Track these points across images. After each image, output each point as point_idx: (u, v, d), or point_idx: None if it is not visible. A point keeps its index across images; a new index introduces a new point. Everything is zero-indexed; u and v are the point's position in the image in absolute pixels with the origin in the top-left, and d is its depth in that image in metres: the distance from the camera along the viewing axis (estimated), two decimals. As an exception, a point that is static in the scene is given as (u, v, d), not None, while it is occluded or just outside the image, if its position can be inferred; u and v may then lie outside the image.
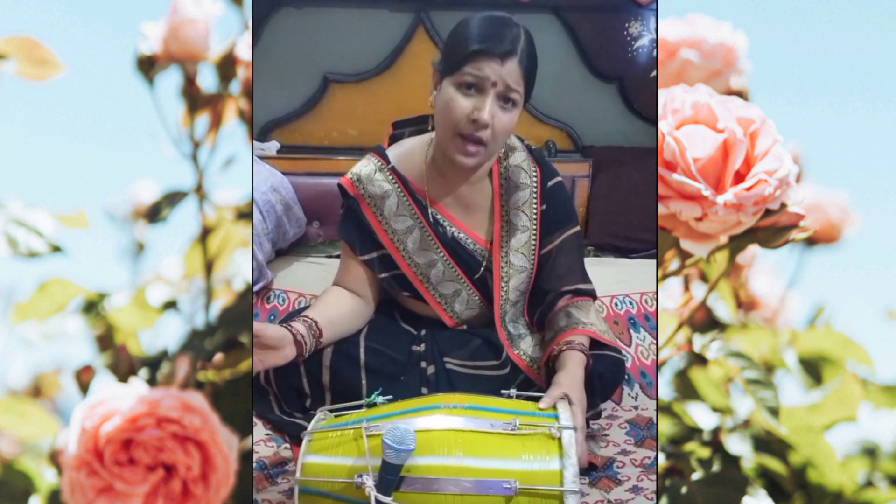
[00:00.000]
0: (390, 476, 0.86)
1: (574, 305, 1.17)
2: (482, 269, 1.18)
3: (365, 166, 1.18)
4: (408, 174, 1.17)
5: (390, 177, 1.16)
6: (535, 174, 1.18)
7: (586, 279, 1.21)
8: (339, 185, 1.18)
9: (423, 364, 1.16)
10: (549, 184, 1.18)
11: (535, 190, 1.18)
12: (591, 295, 1.21)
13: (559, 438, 0.88)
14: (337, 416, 1.00)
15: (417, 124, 1.22)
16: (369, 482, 0.86)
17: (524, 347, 1.18)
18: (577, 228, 1.21)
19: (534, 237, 1.18)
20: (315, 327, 1.09)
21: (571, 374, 1.05)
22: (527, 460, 0.87)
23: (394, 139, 1.23)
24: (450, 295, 1.19)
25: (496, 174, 1.17)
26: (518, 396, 1.02)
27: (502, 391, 1.04)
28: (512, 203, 1.17)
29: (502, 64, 1.04)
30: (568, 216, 1.20)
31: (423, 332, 1.20)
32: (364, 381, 1.12)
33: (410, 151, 1.18)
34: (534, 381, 1.15)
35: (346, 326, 1.15)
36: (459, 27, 1.09)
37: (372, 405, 1.00)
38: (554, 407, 0.95)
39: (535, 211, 1.18)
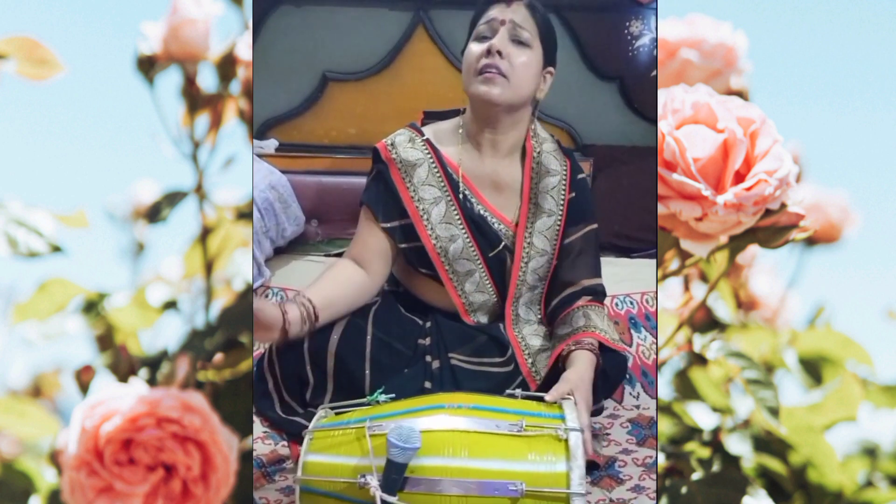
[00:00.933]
0: (395, 475, 0.85)
1: (592, 308, 1.17)
2: (502, 245, 1.18)
3: (400, 134, 1.19)
4: (441, 147, 1.19)
5: (424, 147, 1.18)
6: (565, 164, 1.21)
7: (600, 275, 1.23)
8: (374, 149, 1.18)
9: (428, 358, 1.15)
10: (579, 176, 1.21)
11: (564, 177, 1.20)
12: (603, 298, 1.22)
13: (566, 440, 0.88)
14: (338, 414, 1.00)
15: (449, 116, 1.23)
16: (373, 482, 0.85)
17: (525, 332, 1.18)
18: (596, 226, 1.23)
19: (558, 223, 1.19)
20: (312, 312, 1.09)
21: (580, 372, 1.06)
22: (533, 462, 0.86)
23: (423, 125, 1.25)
24: (463, 273, 1.18)
25: (529, 154, 1.19)
26: (523, 396, 1.02)
27: (507, 391, 1.03)
28: (542, 187, 1.19)
29: (509, 5, 1.12)
30: (591, 212, 1.23)
31: (429, 324, 1.20)
32: (368, 372, 1.12)
33: (444, 129, 1.21)
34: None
35: (344, 307, 1.14)
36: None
37: (374, 403, 1.00)
38: (560, 408, 0.95)
39: (563, 197, 1.19)
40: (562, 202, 1.19)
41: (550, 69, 1.17)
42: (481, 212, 1.18)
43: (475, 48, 1.12)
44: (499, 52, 1.10)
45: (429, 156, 1.17)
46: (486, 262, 1.19)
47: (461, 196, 1.17)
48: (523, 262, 1.18)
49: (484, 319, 1.22)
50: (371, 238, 1.18)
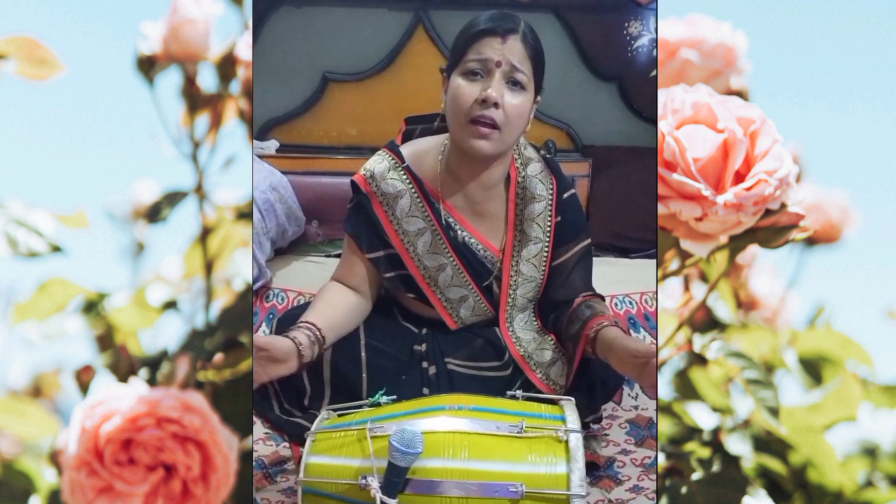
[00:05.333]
0: (396, 478, 0.85)
1: (594, 300, 1.16)
2: (491, 277, 1.17)
3: (379, 163, 1.15)
4: (422, 175, 1.15)
5: (404, 176, 1.14)
6: (551, 186, 1.17)
7: (591, 286, 1.21)
8: (352, 182, 1.16)
9: (425, 364, 1.15)
10: (565, 195, 1.18)
11: (550, 202, 1.16)
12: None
13: (566, 441, 0.88)
14: (340, 416, 1.00)
15: (431, 121, 1.20)
16: (374, 484, 0.85)
17: (527, 347, 1.18)
18: (589, 241, 1.20)
19: (546, 249, 1.17)
20: (319, 336, 1.08)
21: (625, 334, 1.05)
22: (533, 463, 0.86)
23: (406, 135, 1.22)
24: (456, 300, 1.18)
25: (513, 183, 1.16)
26: (524, 398, 1.02)
27: (508, 392, 1.03)
28: (527, 214, 1.16)
29: (504, 42, 1.05)
30: (581, 228, 1.19)
31: (425, 330, 1.20)
32: (365, 376, 1.12)
33: (425, 152, 1.16)
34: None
35: (346, 328, 1.15)
36: (464, 24, 1.10)
37: (376, 405, 1.00)
38: (561, 409, 0.95)
39: (549, 223, 1.17)
40: (548, 229, 1.17)
41: (538, 98, 1.11)
42: (466, 239, 1.16)
43: (466, 89, 1.05)
44: (495, 105, 1.04)
45: (410, 186, 1.14)
46: (481, 289, 1.18)
47: (444, 224, 1.15)
48: (511, 290, 1.17)
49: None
50: (357, 266, 1.18)
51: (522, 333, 1.19)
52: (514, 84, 1.05)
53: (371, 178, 1.15)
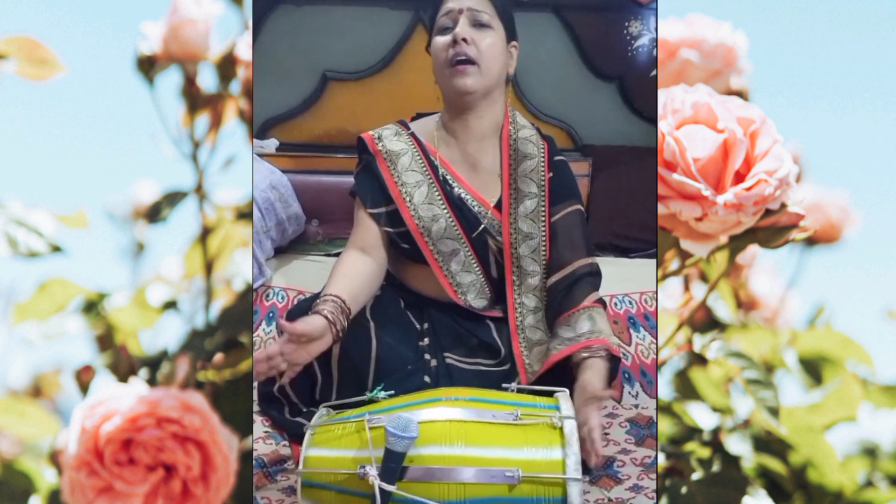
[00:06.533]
0: (393, 464, 0.86)
1: (595, 311, 1.17)
2: (480, 228, 1.20)
3: (387, 129, 1.23)
4: (423, 138, 1.23)
5: (408, 138, 1.22)
6: (542, 147, 1.22)
7: (593, 254, 1.22)
8: (360, 139, 1.22)
9: (427, 356, 1.17)
10: (556, 158, 1.23)
11: (542, 160, 1.21)
12: (599, 279, 1.22)
13: (560, 428, 0.89)
14: (338, 412, 1.01)
15: None
16: (372, 472, 0.86)
17: (527, 322, 1.19)
18: (581, 207, 1.23)
19: (542, 205, 1.20)
20: (344, 306, 1.10)
21: (601, 381, 1.06)
22: (529, 449, 0.88)
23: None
24: (448, 253, 1.20)
25: (505, 138, 1.21)
26: (519, 390, 1.02)
27: (503, 385, 1.05)
28: (521, 171, 1.20)
29: None
30: (574, 191, 1.24)
31: (426, 325, 1.21)
32: (373, 369, 1.12)
33: (426, 122, 1.25)
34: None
35: (365, 297, 1.17)
36: None
37: (373, 401, 1.01)
38: (555, 398, 0.96)
39: (542, 179, 1.21)
40: (542, 183, 1.21)
41: (514, 43, 1.20)
42: (461, 194, 1.20)
43: (440, 40, 1.16)
44: (464, 40, 1.14)
45: (412, 146, 1.21)
46: (470, 240, 1.20)
47: (441, 179, 1.20)
48: (513, 248, 1.19)
49: (477, 303, 1.22)
50: (367, 226, 1.21)
51: (528, 301, 1.20)
52: (480, 26, 1.15)
53: (378, 139, 1.21)
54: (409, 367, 1.14)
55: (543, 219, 1.20)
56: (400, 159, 1.20)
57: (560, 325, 1.17)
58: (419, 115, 1.29)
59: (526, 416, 0.90)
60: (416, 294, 1.25)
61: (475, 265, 1.22)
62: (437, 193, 1.20)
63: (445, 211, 1.19)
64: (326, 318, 1.06)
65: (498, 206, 1.20)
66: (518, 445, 0.88)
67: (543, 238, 1.20)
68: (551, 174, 1.21)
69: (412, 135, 1.22)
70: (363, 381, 1.11)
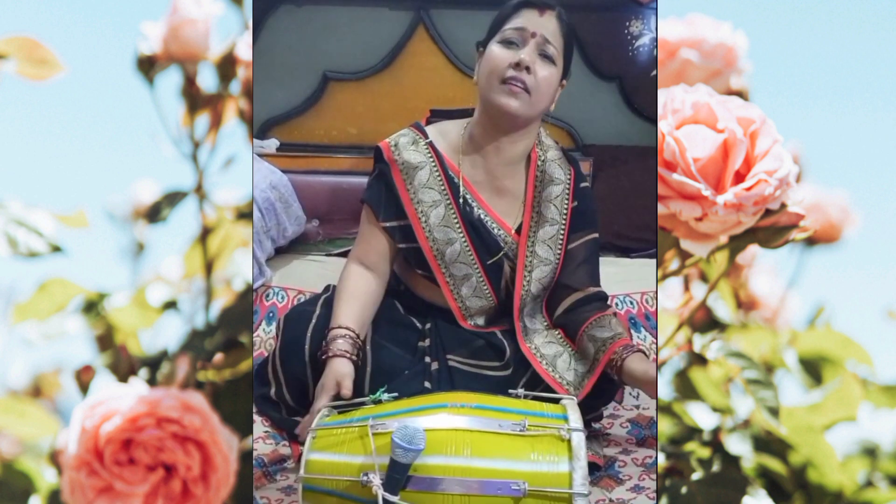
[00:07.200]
0: (398, 475, 0.85)
1: (615, 318, 1.18)
2: (501, 254, 1.18)
3: (403, 136, 1.19)
4: (444, 151, 1.19)
5: (426, 150, 1.18)
6: (569, 172, 1.21)
7: (600, 284, 1.23)
8: (376, 148, 1.19)
9: (427, 359, 1.16)
10: (582, 185, 1.22)
11: (568, 186, 1.20)
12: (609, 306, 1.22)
13: (568, 440, 0.88)
14: (341, 413, 1.00)
15: (456, 116, 1.24)
16: (376, 481, 0.85)
17: (537, 343, 1.18)
18: (597, 236, 1.24)
19: (562, 232, 1.19)
20: (358, 340, 1.12)
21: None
22: (535, 462, 0.86)
23: (429, 123, 1.25)
24: (460, 277, 1.19)
25: (534, 163, 1.19)
26: (526, 396, 1.02)
27: (510, 391, 1.04)
28: (545, 196, 1.19)
29: (541, 15, 1.12)
30: (594, 219, 1.23)
31: (429, 325, 1.20)
32: (369, 370, 1.12)
33: (448, 130, 1.21)
34: (539, 381, 1.15)
35: (371, 316, 1.17)
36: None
37: (377, 402, 1.00)
38: (563, 408, 0.95)
39: (566, 206, 1.20)
40: (565, 211, 1.19)
41: (564, 82, 1.17)
42: (482, 216, 1.18)
43: (501, 54, 1.11)
44: (527, 69, 1.10)
45: (431, 159, 1.17)
46: (484, 267, 1.18)
47: (461, 200, 1.17)
48: (526, 272, 1.18)
49: (481, 322, 1.22)
50: (373, 238, 1.19)
51: (531, 324, 1.19)
52: (545, 57, 1.11)
53: (394, 147, 1.17)
54: (407, 371, 1.14)
55: (561, 245, 1.20)
56: (417, 173, 1.16)
57: (593, 327, 1.16)
58: (435, 114, 1.26)
59: (533, 426, 0.89)
60: (421, 299, 1.24)
61: (487, 291, 1.20)
62: (453, 215, 1.17)
63: (461, 235, 1.17)
64: (347, 357, 1.09)
65: (518, 229, 1.19)
66: (524, 457, 0.87)
67: (557, 264, 1.20)
68: (575, 203, 1.20)
69: (430, 144, 1.18)
70: (359, 386, 1.11)
